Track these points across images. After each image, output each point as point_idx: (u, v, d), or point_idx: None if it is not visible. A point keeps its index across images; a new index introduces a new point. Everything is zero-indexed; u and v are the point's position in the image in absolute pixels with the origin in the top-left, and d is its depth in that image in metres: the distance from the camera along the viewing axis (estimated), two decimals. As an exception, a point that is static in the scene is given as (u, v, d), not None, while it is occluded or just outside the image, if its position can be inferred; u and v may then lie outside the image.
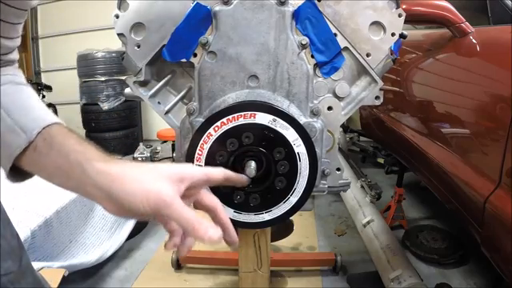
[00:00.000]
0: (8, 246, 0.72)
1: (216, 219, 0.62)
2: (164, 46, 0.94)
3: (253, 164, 0.88)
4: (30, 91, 0.65)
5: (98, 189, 0.52)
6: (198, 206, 0.61)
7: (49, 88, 4.11)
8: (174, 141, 3.36)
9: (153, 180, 0.52)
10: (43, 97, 4.07)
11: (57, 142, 0.56)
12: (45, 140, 0.57)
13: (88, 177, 0.52)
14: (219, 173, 0.62)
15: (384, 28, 0.94)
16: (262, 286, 1.27)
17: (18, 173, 0.60)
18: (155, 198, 0.50)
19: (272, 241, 1.30)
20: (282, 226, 1.57)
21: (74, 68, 4.00)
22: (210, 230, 0.52)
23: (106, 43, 3.88)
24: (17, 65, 0.70)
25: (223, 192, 0.91)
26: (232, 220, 0.94)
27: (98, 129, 3.95)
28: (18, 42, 0.67)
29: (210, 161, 0.89)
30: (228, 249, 2.03)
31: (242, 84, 0.94)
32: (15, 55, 0.69)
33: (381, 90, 0.99)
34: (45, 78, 4.56)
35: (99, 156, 0.54)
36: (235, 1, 0.90)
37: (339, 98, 0.99)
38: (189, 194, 0.57)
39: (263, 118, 0.86)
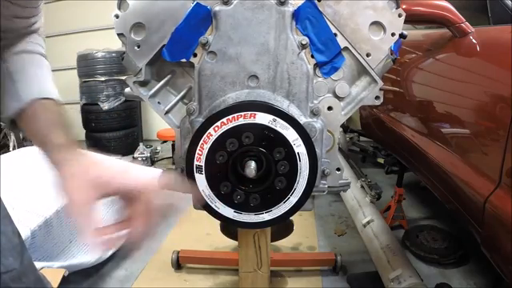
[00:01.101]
0: (9, 243, 0.72)
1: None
2: (164, 45, 0.94)
3: (253, 164, 0.88)
4: (39, 60, 0.70)
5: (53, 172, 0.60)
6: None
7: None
8: (173, 141, 3.36)
9: (72, 184, 0.58)
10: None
11: (36, 119, 0.63)
12: (29, 113, 0.63)
13: (47, 160, 0.61)
14: (153, 186, 0.61)
15: (384, 28, 0.94)
16: (262, 286, 1.27)
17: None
18: (68, 202, 0.57)
19: (272, 241, 1.30)
20: (282, 226, 1.57)
21: (74, 68, 4.00)
22: (91, 246, 0.57)
23: (106, 43, 3.88)
24: (41, 30, 0.74)
25: (223, 192, 0.91)
26: (232, 220, 0.94)
27: (98, 129, 3.95)
28: (40, 15, 0.72)
29: (210, 161, 0.89)
30: (228, 249, 2.03)
31: (242, 84, 0.94)
32: (38, 24, 0.73)
33: (381, 90, 0.99)
34: (45, 78, 4.56)
35: (55, 145, 0.60)
36: (235, 1, 0.90)
37: (339, 98, 0.99)
38: (129, 199, 0.60)
39: (263, 118, 0.86)
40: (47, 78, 0.68)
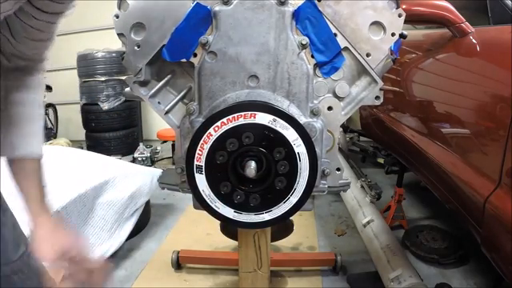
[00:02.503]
0: (10, 235, 0.73)
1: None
2: (164, 45, 0.94)
3: (253, 164, 0.88)
4: (33, 116, 0.76)
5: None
6: None
7: (49, 88, 4.11)
8: (174, 141, 3.36)
9: (41, 246, 0.73)
10: (43, 97, 4.07)
11: (21, 176, 0.74)
12: (17, 167, 0.74)
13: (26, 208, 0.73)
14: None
15: (384, 28, 0.94)
16: (261, 286, 1.27)
17: None
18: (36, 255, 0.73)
19: (272, 241, 1.30)
20: (282, 226, 1.57)
21: (74, 68, 4.00)
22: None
23: (106, 43, 3.87)
24: (39, 77, 0.80)
25: (223, 192, 0.91)
26: (232, 220, 0.94)
27: (98, 129, 3.94)
28: (42, 54, 0.76)
29: (210, 161, 0.89)
30: (228, 249, 2.04)
31: (242, 84, 0.94)
32: (45, 64, 0.79)
33: (381, 90, 0.99)
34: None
35: (32, 203, 0.74)
36: (235, 1, 0.90)
37: (339, 98, 0.99)
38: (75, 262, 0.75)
39: (263, 118, 0.86)
40: (37, 135, 0.76)
